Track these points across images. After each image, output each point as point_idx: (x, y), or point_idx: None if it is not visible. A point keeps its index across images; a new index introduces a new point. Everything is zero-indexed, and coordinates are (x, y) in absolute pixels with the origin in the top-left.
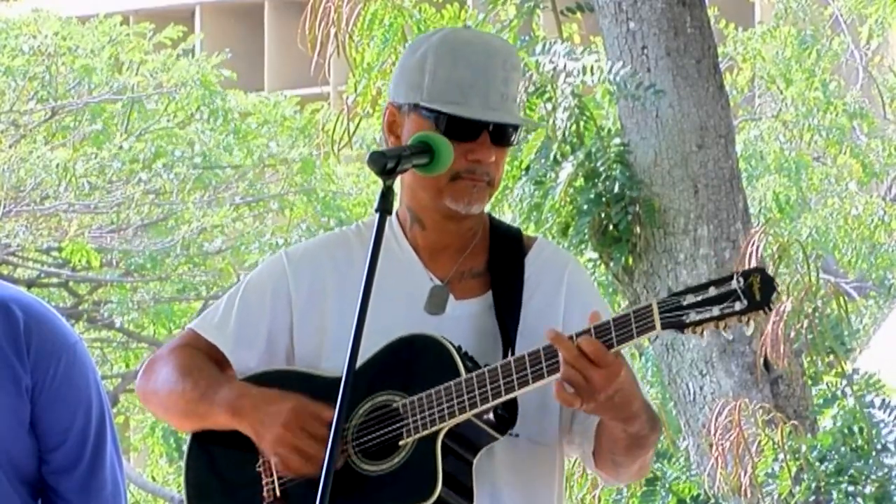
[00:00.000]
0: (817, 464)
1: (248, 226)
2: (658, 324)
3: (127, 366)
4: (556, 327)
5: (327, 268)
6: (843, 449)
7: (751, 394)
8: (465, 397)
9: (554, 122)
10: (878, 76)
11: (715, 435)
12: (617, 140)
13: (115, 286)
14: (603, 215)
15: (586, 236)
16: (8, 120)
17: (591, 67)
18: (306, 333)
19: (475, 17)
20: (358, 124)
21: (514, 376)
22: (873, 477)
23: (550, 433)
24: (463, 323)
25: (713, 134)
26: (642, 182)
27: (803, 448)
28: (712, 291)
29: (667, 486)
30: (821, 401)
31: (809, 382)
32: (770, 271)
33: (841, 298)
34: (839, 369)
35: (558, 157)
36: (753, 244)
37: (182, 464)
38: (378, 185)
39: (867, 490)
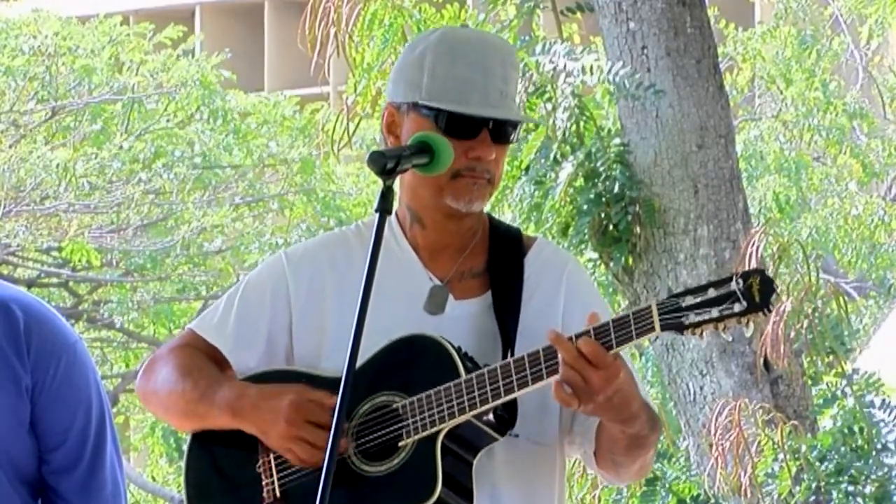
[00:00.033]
0: (817, 464)
1: (247, 226)
2: (657, 325)
3: (127, 366)
4: (555, 327)
5: (327, 268)
6: (843, 449)
7: (751, 394)
8: (465, 398)
9: (554, 122)
10: (878, 76)
11: (715, 435)
12: (617, 140)
13: (115, 286)
14: (603, 215)
15: (586, 236)
16: (8, 120)
17: (591, 67)
18: (306, 333)
19: (475, 17)
20: (358, 124)
21: (514, 377)
22: (873, 477)
23: (550, 433)
24: (462, 323)
25: (713, 134)
26: (642, 182)
27: (803, 448)
28: (712, 293)
29: (667, 486)
30: (821, 401)
31: (809, 382)
32: (770, 271)
33: (841, 298)
34: (839, 369)
35: (558, 157)
36: (753, 244)
37: (182, 464)
38: (378, 185)
39: (867, 490)
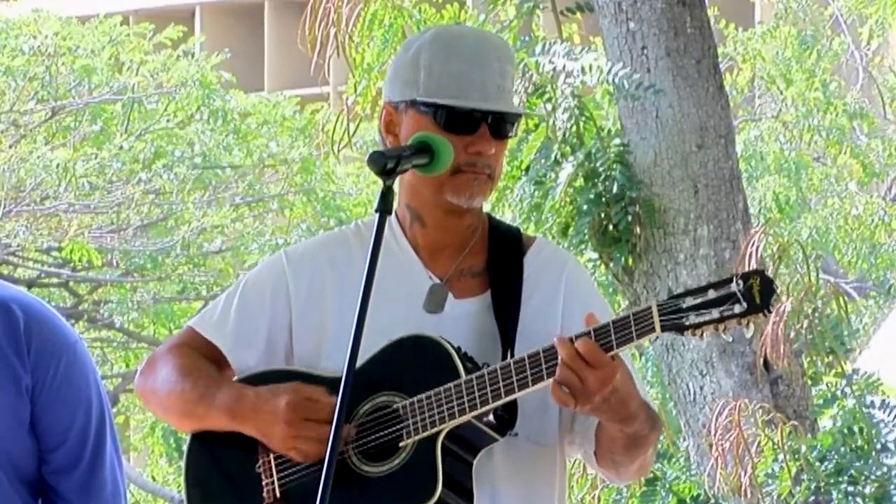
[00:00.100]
0: (817, 464)
1: (247, 226)
2: (658, 326)
3: (127, 366)
4: (555, 327)
5: (326, 267)
6: (842, 449)
7: (751, 394)
8: (465, 399)
9: (554, 122)
10: (878, 76)
11: (715, 435)
12: (617, 140)
13: (115, 286)
14: (603, 215)
15: (586, 236)
16: (8, 120)
17: (591, 67)
18: (305, 333)
19: (475, 17)
20: (358, 125)
21: (514, 378)
22: (873, 477)
23: (550, 433)
24: (462, 322)
25: (713, 134)
26: (642, 182)
27: (803, 448)
28: (712, 294)
29: (667, 486)
30: (821, 401)
31: (809, 383)
32: (770, 272)
33: (841, 298)
34: (839, 369)
35: (558, 157)
36: (753, 244)
37: (182, 464)
38: (378, 185)
39: (867, 490)
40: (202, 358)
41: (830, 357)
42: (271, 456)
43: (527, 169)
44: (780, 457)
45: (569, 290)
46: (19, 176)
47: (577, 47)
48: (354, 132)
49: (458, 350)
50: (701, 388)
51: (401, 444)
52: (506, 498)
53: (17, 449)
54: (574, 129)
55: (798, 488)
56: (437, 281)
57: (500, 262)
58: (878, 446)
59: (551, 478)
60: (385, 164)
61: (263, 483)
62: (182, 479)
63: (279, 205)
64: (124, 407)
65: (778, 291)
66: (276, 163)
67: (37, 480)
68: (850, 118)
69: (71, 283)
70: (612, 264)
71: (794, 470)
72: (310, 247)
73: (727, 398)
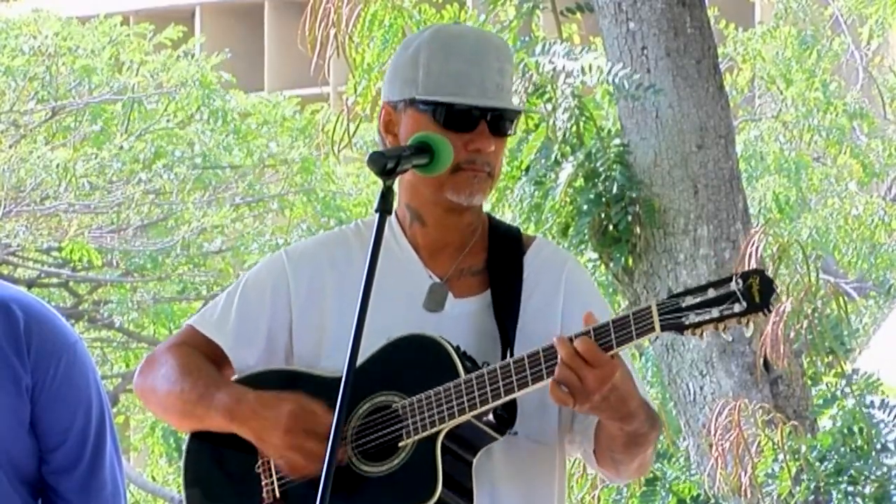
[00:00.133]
0: (817, 464)
1: (247, 226)
2: (657, 325)
3: (127, 366)
4: (554, 327)
5: (326, 267)
6: (842, 449)
7: (751, 394)
8: (465, 399)
9: (554, 122)
10: (878, 76)
11: (715, 435)
12: (617, 140)
13: (115, 286)
14: (603, 216)
15: (586, 237)
16: (8, 120)
17: (590, 66)
18: (305, 332)
19: (475, 17)
20: (358, 125)
21: (514, 378)
22: (873, 477)
23: (550, 432)
24: (462, 321)
25: (713, 134)
26: (642, 182)
27: (803, 448)
28: (711, 293)
29: (667, 486)
30: (820, 401)
31: (809, 383)
32: (770, 272)
33: (841, 299)
34: (839, 369)
35: (558, 157)
36: (753, 244)
37: (181, 464)
38: (378, 185)
39: (867, 490)
40: (202, 357)
41: (830, 357)
42: None
43: (527, 169)
44: (780, 457)
45: (568, 289)
46: (19, 176)
47: (577, 47)
48: (354, 132)
49: (457, 349)
50: (701, 388)
51: (400, 444)
52: (505, 497)
53: (17, 449)
54: (574, 129)
55: (798, 488)
56: (437, 280)
57: (499, 261)
58: (878, 446)
59: (551, 477)
60: (385, 165)
61: (263, 483)
62: (181, 480)
63: (279, 205)
64: (124, 407)
65: (778, 291)
66: (276, 163)
67: (37, 480)
68: (850, 118)
69: (71, 283)
70: (612, 264)
71: (794, 470)
72: (310, 246)
73: (727, 398)
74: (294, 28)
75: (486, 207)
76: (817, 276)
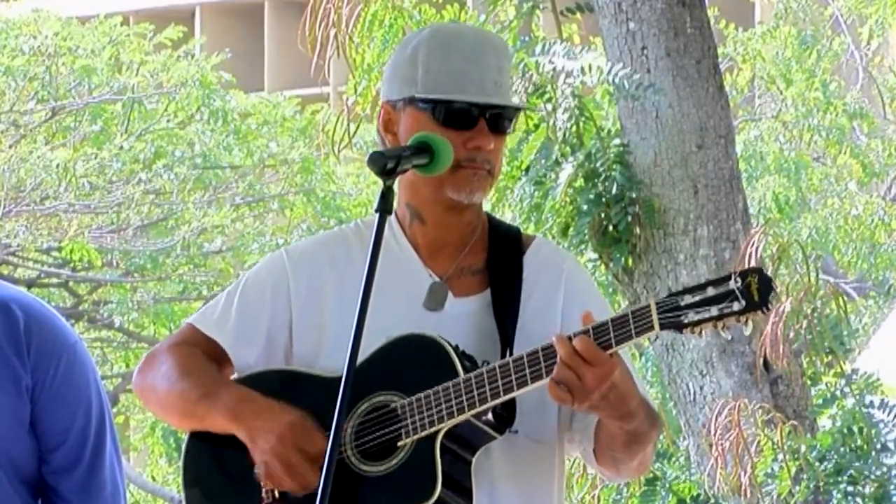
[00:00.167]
0: (817, 464)
1: (248, 226)
2: (656, 324)
3: (127, 366)
4: (554, 326)
5: (326, 266)
6: (842, 449)
7: (750, 394)
8: (464, 398)
9: (554, 122)
10: (878, 76)
11: (715, 435)
12: (617, 140)
13: (115, 286)
14: (603, 216)
15: (586, 237)
16: (8, 120)
17: (590, 66)
18: (305, 331)
19: (475, 17)
20: (358, 125)
21: (513, 377)
22: (873, 477)
23: (549, 430)
24: (462, 321)
25: (713, 134)
26: (642, 182)
27: (803, 448)
28: (710, 291)
29: (667, 486)
30: (820, 401)
31: (809, 382)
32: (770, 272)
33: (840, 299)
34: (838, 369)
35: (558, 157)
36: (753, 244)
37: (180, 464)
38: (378, 185)
39: (867, 490)
40: (203, 356)
41: (830, 357)
42: None
43: (527, 169)
44: (780, 457)
45: (568, 288)
46: (19, 176)
47: (577, 47)
48: (354, 133)
49: (456, 349)
50: (701, 388)
51: (399, 444)
52: (505, 496)
53: (17, 449)
54: (574, 129)
55: (798, 488)
56: (437, 279)
57: (499, 260)
58: (878, 446)
59: (550, 475)
60: (385, 165)
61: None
62: (181, 480)
63: (279, 205)
64: (124, 407)
65: (777, 289)
66: (276, 163)
67: (37, 480)
68: (850, 118)
69: (71, 284)
70: (612, 264)
71: (793, 470)
72: (310, 245)
73: (727, 398)
74: (294, 28)
75: (487, 207)
76: (817, 276)
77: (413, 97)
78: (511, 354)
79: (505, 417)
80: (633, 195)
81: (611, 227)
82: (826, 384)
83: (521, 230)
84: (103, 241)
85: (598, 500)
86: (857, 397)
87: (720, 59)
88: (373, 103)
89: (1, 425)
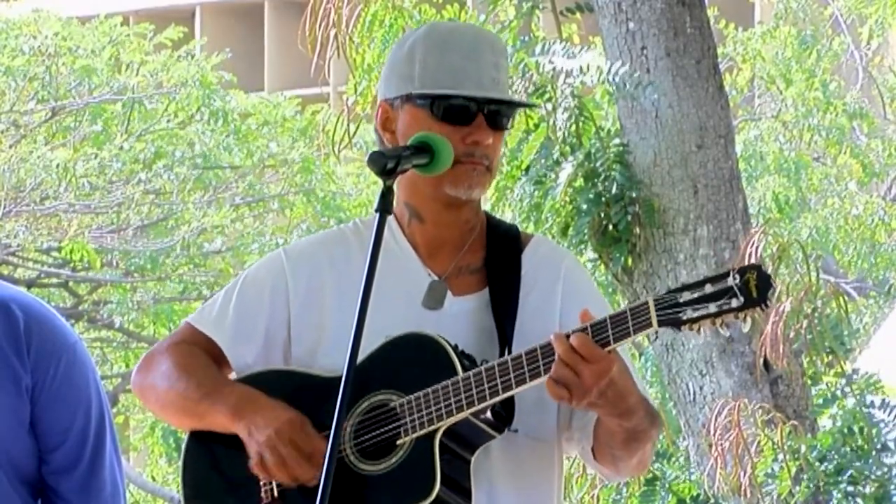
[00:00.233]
0: (817, 464)
1: (248, 226)
2: (655, 321)
3: (127, 366)
4: (553, 324)
5: (325, 265)
6: (842, 449)
7: (750, 394)
8: (463, 396)
9: (554, 122)
10: (878, 76)
11: (715, 435)
12: (616, 140)
13: (115, 286)
14: (602, 215)
15: (586, 236)
16: (8, 120)
17: (589, 66)
18: (304, 330)
19: (475, 17)
20: (358, 125)
21: (512, 375)
22: (873, 477)
23: (548, 429)
24: (460, 319)
25: (713, 134)
26: (642, 182)
27: (803, 448)
28: (709, 288)
29: (666, 485)
30: (820, 401)
31: (809, 382)
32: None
33: (841, 298)
34: (839, 369)
35: (558, 157)
36: (753, 244)
37: (179, 464)
38: (378, 185)
39: (867, 490)
40: (203, 355)
41: (830, 357)
42: None
43: (527, 169)
44: (780, 457)
45: (566, 287)
46: (19, 176)
47: (577, 47)
48: (355, 133)
49: (455, 347)
50: (701, 388)
51: (398, 443)
52: (504, 494)
53: (17, 449)
54: (574, 129)
55: (798, 488)
56: (436, 278)
57: (497, 259)
58: (878, 446)
59: (549, 474)
60: (385, 164)
61: (261, 483)
62: (180, 480)
63: (279, 205)
64: (124, 407)
65: (775, 286)
66: (276, 163)
67: (37, 480)
68: (850, 118)
69: (71, 284)
70: (611, 264)
71: (793, 470)
72: (308, 245)
73: (727, 398)
74: (294, 28)
75: (487, 207)
76: (817, 275)
77: (410, 94)
78: (510, 353)
79: (504, 416)
80: (633, 195)
81: (611, 227)
82: (826, 384)
83: (520, 229)
84: (103, 241)
85: (598, 500)
86: (858, 397)
87: (720, 59)
88: (373, 103)
89: (1, 425)
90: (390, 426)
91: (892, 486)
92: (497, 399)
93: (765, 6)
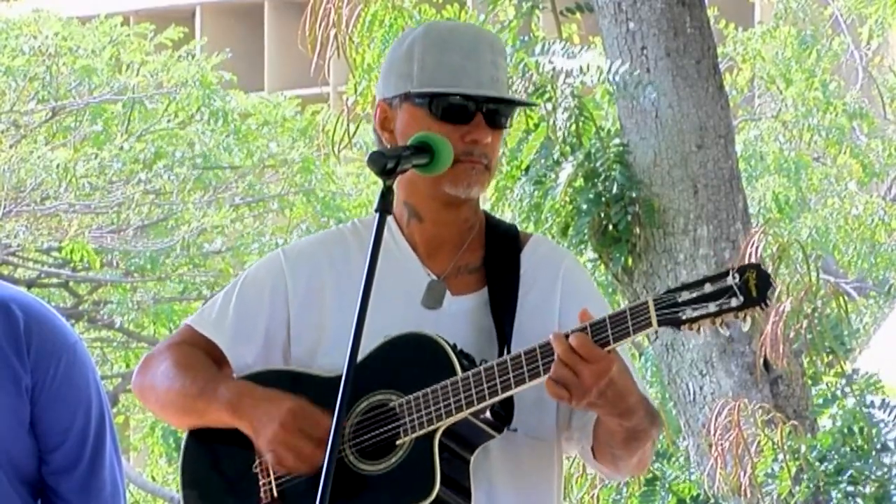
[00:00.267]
0: (817, 464)
1: (248, 226)
2: (654, 321)
3: (127, 366)
4: (552, 324)
5: (324, 265)
6: (842, 449)
7: (750, 394)
8: (462, 396)
9: (554, 122)
10: (878, 76)
11: (715, 435)
12: (616, 140)
13: (115, 286)
14: (603, 215)
15: (586, 236)
16: (8, 120)
17: (589, 65)
18: (304, 330)
19: (475, 17)
20: (358, 126)
21: (511, 375)
22: (873, 477)
23: (548, 428)
24: (459, 319)
25: (713, 134)
26: (642, 182)
27: (803, 448)
28: (708, 288)
29: (666, 485)
30: (820, 401)
31: (809, 382)
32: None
33: (841, 298)
34: (839, 369)
35: (558, 157)
36: (753, 244)
37: (178, 464)
38: (378, 185)
39: (867, 490)
40: (202, 354)
41: (830, 357)
42: None
43: (527, 169)
44: (780, 457)
45: (566, 286)
46: (19, 176)
47: (577, 47)
48: (354, 133)
49: (454, 347)
50: (701, 388)
51: (398, 443)
52: (503, 494)
53: (17, 449)
54: (574, 129)
55: (798, 488)
56: (435, 278)
57: (496, 258)
58: (878, 446)
59: (549, 473)
60: (385, 164)
61: (260, 483)
62: (179, 479)
63: (279, 205)
64: (124, 407)
65: (775, 285)
66: (276, 163)
67: (37, 481)
68: (850, 118)
69: (71, 284)
70: (611, 264)
71: (793, 470)
72: (307, 245)
73: (727, 398)
74: (294, 28)
75: (486, 206)
76: (817, 275)
77: (409, 93)
78: (509, 352)
79: (503, 416)
80: (633, 195)
81: (611, 227)
82: (826, 384)
83: (520, 229)
84: (103, 242)
85: (598, 500)
86: (858, 397)
87: (720, 59)
88: (372, 103)
89: (1, 425)
90: (390, 426)
91: (892, 486)
92: (496, 399)
93: (765, 6)
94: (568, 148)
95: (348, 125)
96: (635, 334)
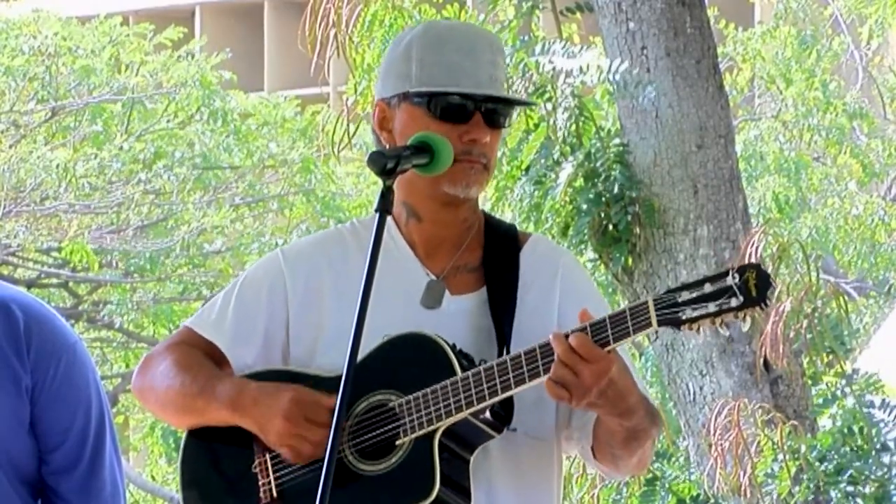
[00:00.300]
0: (817, 464)
1: (247, 226)
2: (654, 321)
3: (127, 366)
4: (551, 323)
5: (323, 265)
6: (842, 449)
7: (750, 394)
8: (462, 396)
9: (554, 122)
10: (878, 76)
11: (714, 435)
12: (616, 140)
13: (114, 286)
14: (603, 215)
15: (586, 236)
16: (8, 120)
17: (589, 65)
18: (303, 331)
19: (475, 17)
20: (358, 126)
21: (511, 375)
22: (873, 477)
23: (547, 428)
24: (458, 318)
25: (713, 134)
26: (642, 182)
27: (803, 448)
28: (708, 288)
29: (666, 485)
30: (820, 401)
31: (809, 382)
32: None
33: (841, 298)
34: (839, 369)
35: (558, 157)
36: (753, 244)
37: (178, 464)
38: (378, 185)
39: (867, 490)
40: (201, 354)
41: (830, 357)
42: (267, 456)
43: (527, 169)
44: (780, 457)
45: (565, 285)
46: (19, 176)
47: (577, 47)
48: (354, 133)
49: (453, 347)
50: (701, 388)
51: (397, 443)
52: (503, 494)
53: (17, 449)
54: (574, 128)
55: (798, 488)
56: (434, 277)
57: (495, 258)
58: (878, 446)
59: (549, 473)
60: (385, 164)
61: (260, 483)
62: (178, 480)
63: (279, 205)
64: (124, 407)
65: (775, 285)
66: (276, 163)
67: (37, 481)
68: (850, 118)
69: (71, 284)
70: (611, 264)
71: (793, 470)
72: (306, 245)
73: (727, 398)
74: (294, 28)
75: (486, 206)
76: (817, 275)
77: (408, 92)
78: (508, 352)
79: (503, 416)
80: (633, 195)
81: (611, 227)
82: (826, 384)
83: (519, 229)
84: (103, 242)
85: (598, 500)
86: (858, 397)
87: (720, 59)
88: (372, 103)
89: (1, 425)
90: (389, 426)
91: (892, 486)
92: (496, 399)
93: (765, 6)
94: (568, 148)
95: (348, 125)
96: (635, 334)
